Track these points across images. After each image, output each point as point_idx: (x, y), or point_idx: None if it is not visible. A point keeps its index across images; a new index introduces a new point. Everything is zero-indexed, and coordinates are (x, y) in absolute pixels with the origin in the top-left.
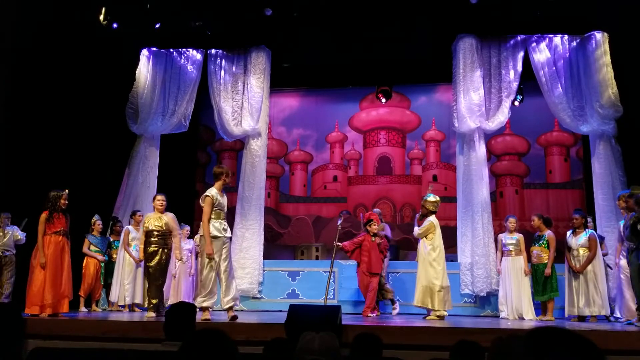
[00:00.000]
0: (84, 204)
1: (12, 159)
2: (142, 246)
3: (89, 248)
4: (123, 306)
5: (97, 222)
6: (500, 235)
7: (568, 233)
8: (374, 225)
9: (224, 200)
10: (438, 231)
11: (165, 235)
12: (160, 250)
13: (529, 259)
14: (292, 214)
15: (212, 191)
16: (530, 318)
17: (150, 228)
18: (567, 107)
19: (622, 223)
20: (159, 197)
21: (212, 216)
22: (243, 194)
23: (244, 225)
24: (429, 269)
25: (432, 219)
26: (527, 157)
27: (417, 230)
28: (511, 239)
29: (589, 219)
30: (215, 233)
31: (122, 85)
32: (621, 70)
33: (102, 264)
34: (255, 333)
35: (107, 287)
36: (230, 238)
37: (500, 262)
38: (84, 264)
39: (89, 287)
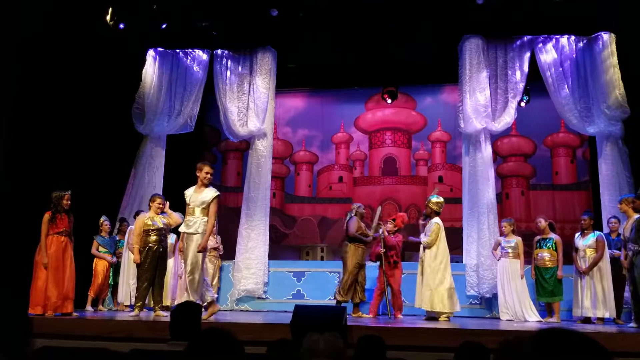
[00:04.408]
0: (90, 204)
1: (18, 159)
2: (137, 246)
3: (97, 249)
4: (130, 306)
5: (104, 222)
6: (499, 238)
7: (577, 234)
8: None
9: (194, 197)
10: (442, 232)
11: (161, 234)
12: (152, 247)
13: (530, 261)
14: (298, 215)
15: (188, 189)
16: (534, 320)
17: (148, 228)
18: (574, 108)
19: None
20: (159, 199)
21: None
22: (248, 194)
23: (250, 225)
24: (443, 272)
25: (437, 220)
26: (533, 159)
27: (425, 239)
28: (509, 242)
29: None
30: (182, 229)
31: (129, 86)
32: (628, 71)
33: (112, 265)
34: (261, 333)
35: (114, 286)
36: (197, 234)
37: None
38: (94, 264)
39: (99, 287)
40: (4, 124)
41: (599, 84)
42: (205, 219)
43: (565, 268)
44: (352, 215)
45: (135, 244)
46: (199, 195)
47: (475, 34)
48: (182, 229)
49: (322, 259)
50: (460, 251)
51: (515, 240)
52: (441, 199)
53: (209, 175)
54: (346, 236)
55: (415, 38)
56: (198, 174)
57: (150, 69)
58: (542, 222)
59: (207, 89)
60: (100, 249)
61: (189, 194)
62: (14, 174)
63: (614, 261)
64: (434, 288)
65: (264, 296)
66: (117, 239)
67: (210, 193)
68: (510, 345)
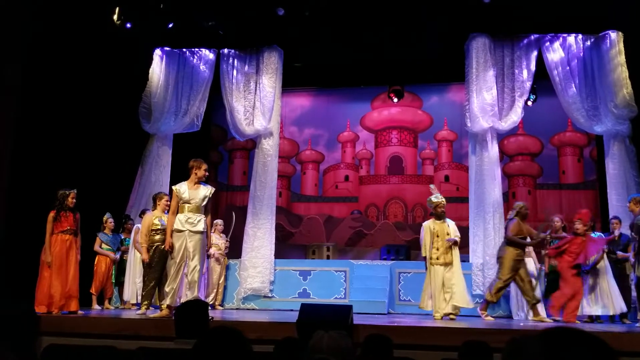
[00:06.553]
0: (97, 202)
1: (25, 157)
2: (145, 245)
3: (100, 246)
4: (137, 304)
5: (108, 219)
6: None
7: None
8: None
9: (192, 193)
10: None
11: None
12: (159, 246)
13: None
14: (304, 214)
15: (179, 185)
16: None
17: (157, 227)
18: (581, 107)
19: None
20: (166, 197)
21: (179, 209)
22: (255, 193)
23: (256, 224)
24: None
25: (448, 220)
26: (540, 158)
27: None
28: None
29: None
30: (177, 226)
31: (136, 85)
32: (636, 70)
33: (115, 262)
34: (267, 332)
35: (120, 285)
36: (203, 233)
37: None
38: (95, 262)
39: (100, 285)
40: (12, 122)
41: (607, 83)
42: (204, 216)
43: None
44: (513, 216)
45: (143, 242)
46: (198, 192)
47: (482, 33)
48: (184, 227)
49: (328, 257)
50: (467, 250)
51: None
52: (440, 199)
53: (207, 173)
54: (505, 237)
55: (421, 37)
56: (196, 172)
57: (157, 68)
58: (558, 222)
59: (214, 88)
60: (104, 246)
61: (184, 190)
62: (21, 172)
63: (617, 260)
64: (464, 286)
65: (270, 295)
66: (122, 237)
67: (208, 189)
68: (518, 344)
